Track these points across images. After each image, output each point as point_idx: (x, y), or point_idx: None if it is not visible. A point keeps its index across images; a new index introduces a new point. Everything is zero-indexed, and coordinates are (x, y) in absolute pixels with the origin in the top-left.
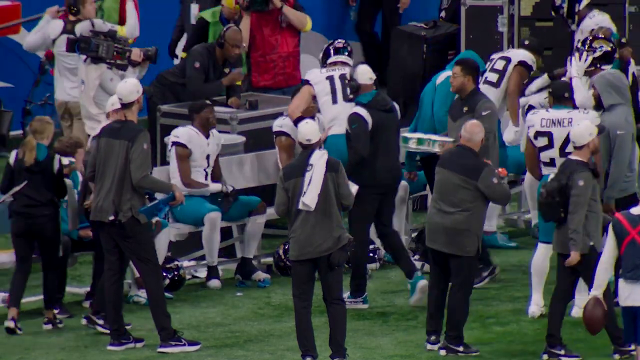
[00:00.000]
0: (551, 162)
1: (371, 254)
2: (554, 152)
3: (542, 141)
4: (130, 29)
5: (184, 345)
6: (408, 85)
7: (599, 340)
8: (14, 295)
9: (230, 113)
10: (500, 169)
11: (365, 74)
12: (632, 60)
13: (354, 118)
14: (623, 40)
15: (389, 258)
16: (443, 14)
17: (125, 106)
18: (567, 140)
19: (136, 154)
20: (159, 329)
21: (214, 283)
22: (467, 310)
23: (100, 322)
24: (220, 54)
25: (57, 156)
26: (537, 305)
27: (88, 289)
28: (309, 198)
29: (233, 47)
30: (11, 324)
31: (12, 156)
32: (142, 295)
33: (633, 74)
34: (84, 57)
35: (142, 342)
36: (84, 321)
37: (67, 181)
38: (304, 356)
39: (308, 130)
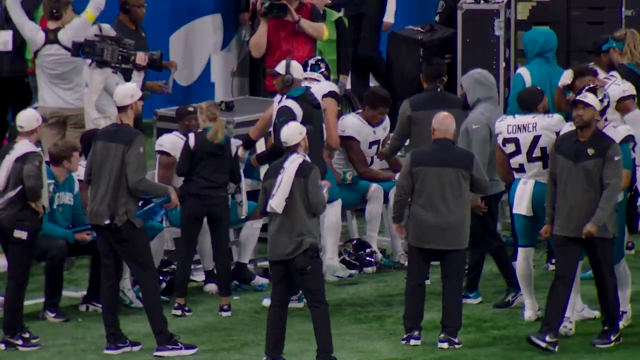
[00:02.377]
0: (520, 168)
1: (368, 258)
2: (522, 158)
3: (510, 147)
4: (95, 4)
5: (181, 349)
6: (405, 89)
7: (596, 346)
8: (181, 283)
9: (226, 117)
10: None
11: (299, 70)
12: None
13: (283, 111)
14: None
15: (386, 262)
16: (437, 18)
17: (120, 110)
18: (533, 145)
19: (132, 157)
20: (155, 333)
21: (210, 287)
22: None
23: (19, 342)
24: (130, 20)
25: (233, 140)
26: (531, 309)
27: (84, 292)
28: (276, 202)
29: (139, 7)
30: (178, 312)
31: (192, 139)
32: (128, 295)
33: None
34: (89, 61)
35: (139, 346)
36: (1, 346)
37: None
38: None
39: (285, 133)
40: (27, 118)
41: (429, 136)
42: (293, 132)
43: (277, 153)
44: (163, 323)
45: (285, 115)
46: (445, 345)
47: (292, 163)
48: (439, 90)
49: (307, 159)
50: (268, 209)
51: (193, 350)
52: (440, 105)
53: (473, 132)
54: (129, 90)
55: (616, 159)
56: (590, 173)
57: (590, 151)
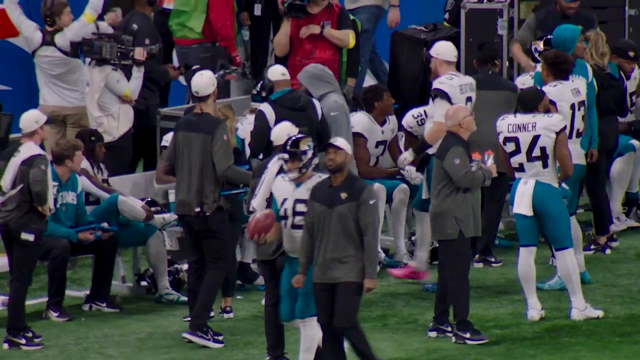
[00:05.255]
0: (520, 167)
1: None
2: (521, 157)
3: (510, 146)
4: (93, 5)
5: (209, 340)
6: (407, 89)
7: (598, 343)
8: (227, 285)
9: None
10: (474, 153)
11: (276, 71)
12: (636, 68)
13: (256, 115)
14: (631, 53)
15: (389, 261)
16: (447, 15)
17: (201, 99)
18: (532, 145)
19: (218, 146)
20: (193, 316)
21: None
22: (464, 297)
23: (22, 341)
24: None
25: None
26: (534, 309)
27: (87, 292)
28: (257, 202)
29: None
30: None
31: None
32: (173, 293)
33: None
34: (88, 60)
35: (222, 344)
36: (5, 345)
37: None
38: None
39: (274, 132)
40: (25, 120)
41: (476, 117)
42: (281, 131)
43: (254, 157)
44: (206, 313)
45: (257, 118)
46: (433, 334)
47: (274, 164)
48: (490, 73)
49: None
50: (250, 209)
51: (219, 345)
52: (490, 88)
53: (333, 119)
54: (209, 79)
55: (371, 202)
56: (345, 217)
57: (343, 195)
